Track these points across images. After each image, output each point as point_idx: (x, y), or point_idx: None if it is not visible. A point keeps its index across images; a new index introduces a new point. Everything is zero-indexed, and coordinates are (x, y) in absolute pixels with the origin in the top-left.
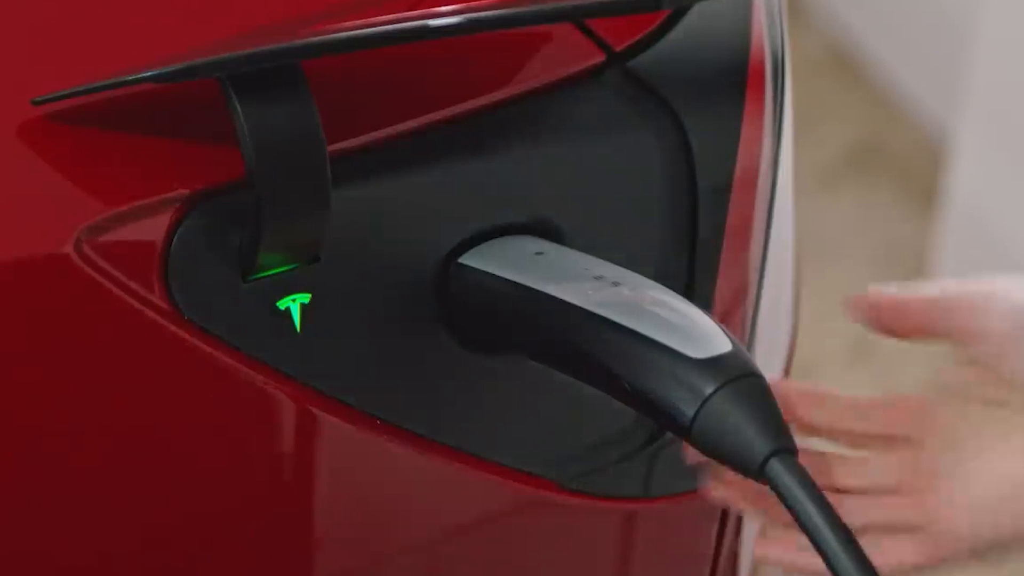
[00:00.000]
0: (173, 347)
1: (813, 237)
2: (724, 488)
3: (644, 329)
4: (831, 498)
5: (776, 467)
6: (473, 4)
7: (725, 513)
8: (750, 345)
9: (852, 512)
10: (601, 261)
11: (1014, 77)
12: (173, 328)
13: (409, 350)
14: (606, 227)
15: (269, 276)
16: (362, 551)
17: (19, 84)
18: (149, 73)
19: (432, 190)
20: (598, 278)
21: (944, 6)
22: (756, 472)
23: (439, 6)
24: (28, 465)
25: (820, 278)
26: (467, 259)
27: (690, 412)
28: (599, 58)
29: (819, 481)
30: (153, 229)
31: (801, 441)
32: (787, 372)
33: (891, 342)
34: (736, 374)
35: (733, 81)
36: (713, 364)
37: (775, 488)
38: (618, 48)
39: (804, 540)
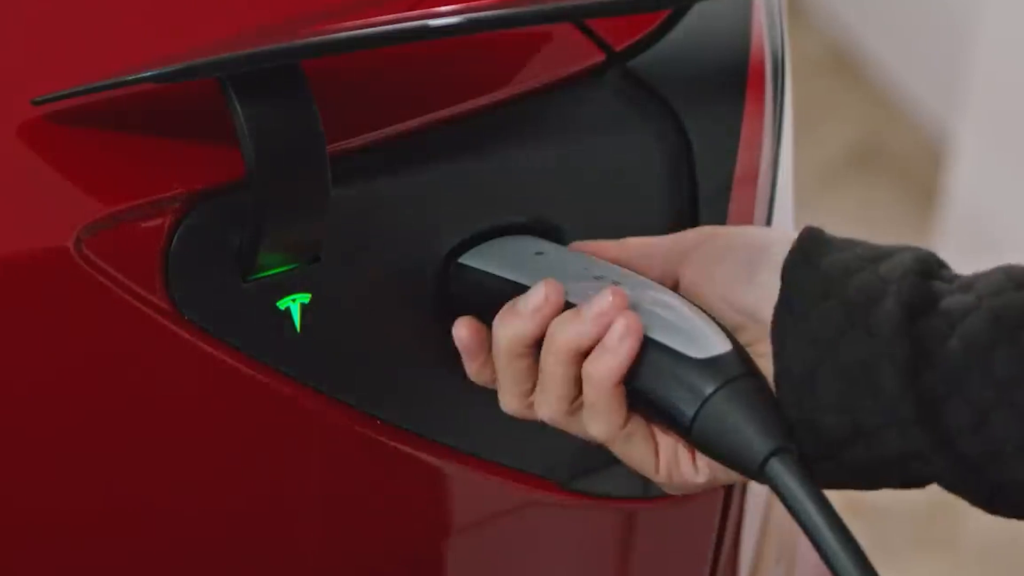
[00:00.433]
0: (173, 347)
1: None
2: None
3: (645, 328)
4: None
5: (776, 467)
6: (473, 4)
7: (725, 513)
8: None
9: None
10: (601, 261)
11: (1014, 77)
12: (173, 328)
13: (409, 350)
14: (606, 227)
15: (269, 276)
16: (362, 551)
17: (19, 84)
18: (149, 73)
19: (432, 190)
20: (598, 278)
21: (944, 6)
22: (756, 472)
23: (439, 6)
24: (27, 463)
25: None
26: (467, 259)
27: (690, 412)
28: (599, 58)
29: None
30: (153, 229)
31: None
32: None
33: None
34: (735, 374)
35: (733, 81)
36: (712, 364)
37: (775, 488)
38: (618, 48)
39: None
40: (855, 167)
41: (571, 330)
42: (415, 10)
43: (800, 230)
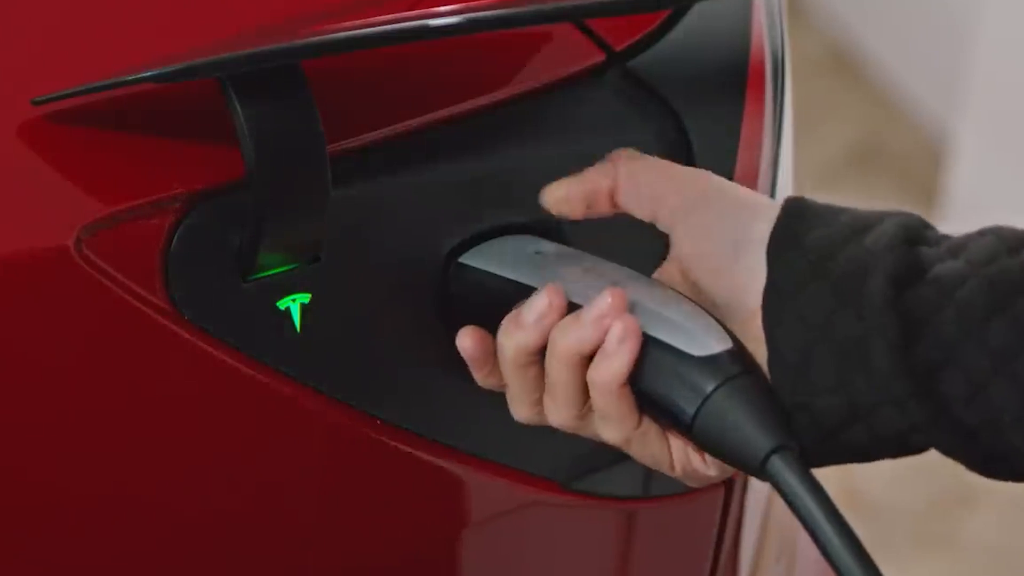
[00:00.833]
0: (173, 347)
1: None
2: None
3: (644, 327)
4: None
5: (777, 464)
6: (473, 4)
7: (726, 511)
8: None
9: None
10: (601, 260)
11: (1014, 77)
12: (173, 328)
13: (409, 350)
14: (606, 227)
15: (269, 276)
16: (362, 551)
17: (19, 84)
18: (149, 73)
19: (432, 190)
20: (598, 277)
21: (944, 6)
22: (757, 469)
23: (439, 6)
24: (27, 462)
25: None
26: (467, 259)
27: (691, 410)
28: (599, 58)
29: None
30: (153, 229)
31: None
32: None
33: None
34: (736, 371)
35: (733, 81)
36: (713, 362)
37: (776, 485)
38: (618, 48)
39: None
40: (855, 167)
41: (572, 336)
42: (415, 10)
43: (783, 202)
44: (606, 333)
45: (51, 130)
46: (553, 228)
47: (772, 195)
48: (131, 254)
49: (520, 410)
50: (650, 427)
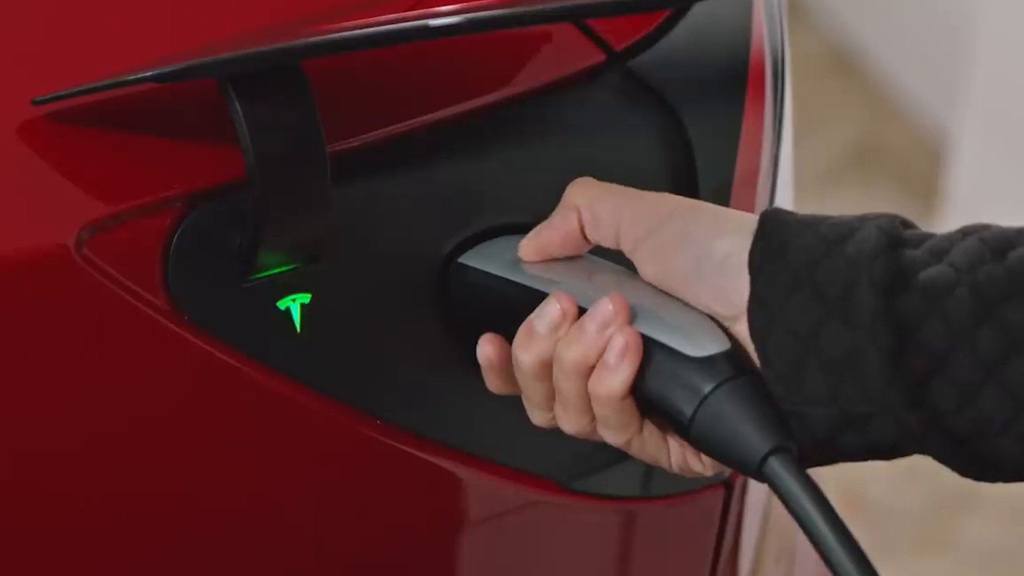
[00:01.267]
0: (173, 347)
1: None
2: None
3: (643, 328)
4: None
5: (774, 465)
6: (473, 4)
7: (725, 513)
8: None
9: None
10: (598, 259)
11: (1014, 77)
12: (173, 328)
13: (409, 350)
14: None
15: (269, 276)
16: (362, 551)
17: (19, 84)
18: (149, 73)
19: (432, 190)
20: (598, 277)
21: (944, 6)
22: (755, 471)
23: (439, 6)
24: (27, 462)
25: None
26: (467, 259)
27: (688, 411)
28: (599, 58)
29: None
30: (153, 229)
31: None
32: None
33: None
34: (734, 372)
35: (733, 81)
36: (711, 363)
37: (773, 486)
38: (618, 48)
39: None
40: (855, 167)
41: (576, 349)
42: (415, 10)
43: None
44: (608, 342)
45: (51, 130)
46: None
47: (772, 195)
48: (131, 254)
49: (539, 417)
50: (651, 430)
